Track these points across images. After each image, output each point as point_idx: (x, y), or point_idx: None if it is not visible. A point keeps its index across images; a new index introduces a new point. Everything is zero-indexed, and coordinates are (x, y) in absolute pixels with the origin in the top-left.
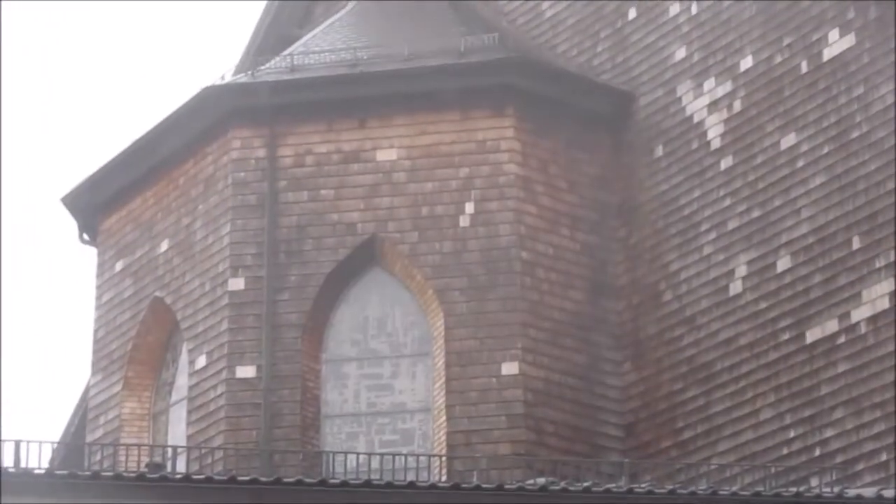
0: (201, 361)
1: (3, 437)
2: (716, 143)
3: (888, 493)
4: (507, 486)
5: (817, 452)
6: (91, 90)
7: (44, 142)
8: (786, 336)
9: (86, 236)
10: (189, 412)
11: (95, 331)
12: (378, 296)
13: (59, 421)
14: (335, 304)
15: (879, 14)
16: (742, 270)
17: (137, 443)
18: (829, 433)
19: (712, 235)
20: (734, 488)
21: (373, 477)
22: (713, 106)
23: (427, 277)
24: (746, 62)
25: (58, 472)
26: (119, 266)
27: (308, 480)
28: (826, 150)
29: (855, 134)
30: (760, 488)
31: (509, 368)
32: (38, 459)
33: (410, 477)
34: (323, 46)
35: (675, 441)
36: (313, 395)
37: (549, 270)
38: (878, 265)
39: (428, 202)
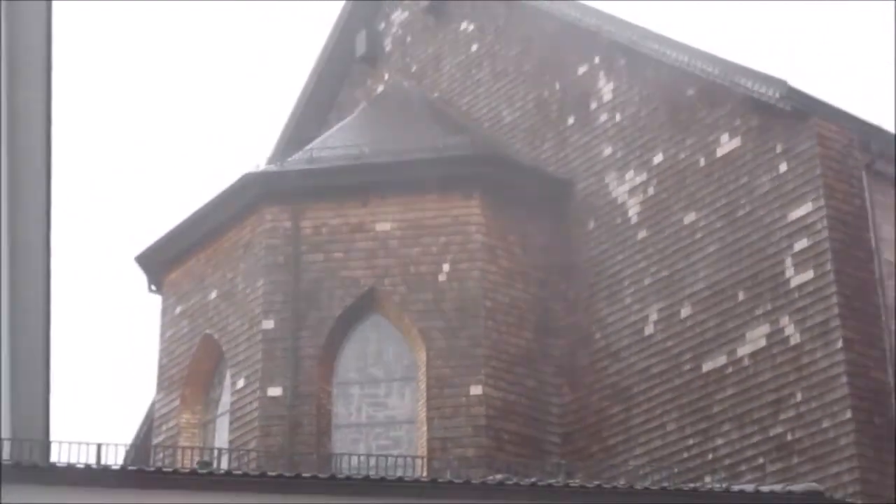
0: (240, 383)
1: (83, 440)
2: (634, 219)
3: (764, 489)
4: (473, 482)
5: (710, 457)
6: (158, 171)
7: (117, 212)
8: (687, 367)
9: (153, 287)
10: (230, 422)
11: (160, 359)
12: (376, 335)
13: (131, 428)
14: (343, 341)
15: (759, 122)
16: (654, 316)
17: (191, 445)
18: (718, 442)
19: (631, 290)
20: (646, 484)
21: (371, 473)
22: (632, 191)
23: (413, 321)
24: (658, 158)
25: (129, 467)
26: (178, 310)
27: (321, 476)
28: (718, 225)
29: (741, 213)
30: (666, 484)
31: (475, 390)
32: (115, 458)
33: (399, 473)
34: (335, 144)
35: (601, 447)
36: (326, 410)
37: (507, 315)
38: (757, 313)
39: (414, 263)
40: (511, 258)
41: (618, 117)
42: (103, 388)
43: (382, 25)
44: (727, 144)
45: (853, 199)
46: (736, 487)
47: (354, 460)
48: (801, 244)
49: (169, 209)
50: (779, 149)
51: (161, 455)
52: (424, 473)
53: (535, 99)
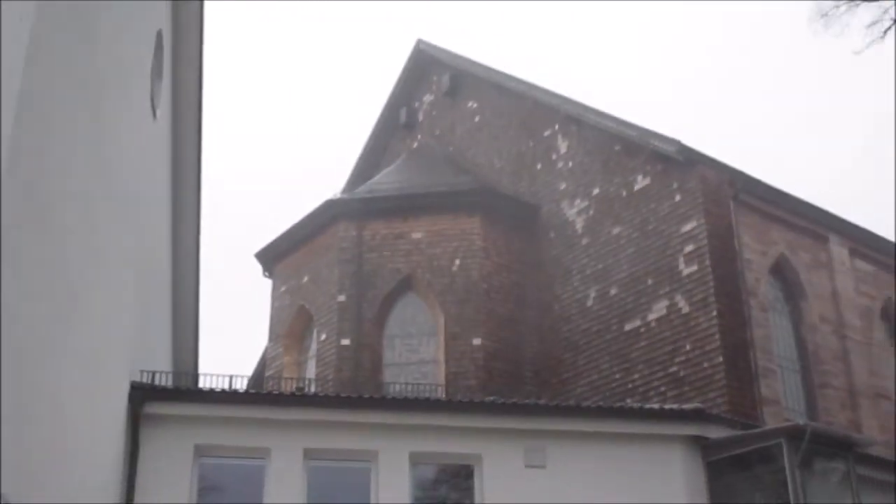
0: (323, 336)
1: (220, 373)
2: (580, 231)
3: (665, 407)
4: (475, 401)
5: (629, 386)
6: (271, 197)
7: (243, 221)
8: (614, 327)
9: (266, 274)
10: (316, 362)
11: (270, 320)
12: (411, 306)
13: (251, 365)
14: (390, 309)
15: (662, 168)
16: (593, 294)
17: (290, 377)
18: (635, 377)
19: (578, 277)
20: (588, 403)
21: (408, 395)
22: (579, 213)
23: (435, 296)
24: (596, 190)
25: (250, 391)
26: (283, 289)
27: (376, 397)
28: (635, 235)
29: (650, 227)
30: (601, 403)
31: (476, 342)
32: (241, 384)
33: (427, 395)
34: (386, 181)
35: (558, 380)
36: (379, 355)
37: (497, 294)
38: (660, 293)
39: (437, 259)
40: (499, 256)
41: (570, 164)
42: (234, 338)
43: (417, 104)
44: (641, 182)
45: (723, 219)
46: (647, 406)
47: (398, 387)
48: (689, 248)
49: (277, 221)
50: (675, 185)
51: (271, 383)
52: (444, 395)
53: (516, 152)
